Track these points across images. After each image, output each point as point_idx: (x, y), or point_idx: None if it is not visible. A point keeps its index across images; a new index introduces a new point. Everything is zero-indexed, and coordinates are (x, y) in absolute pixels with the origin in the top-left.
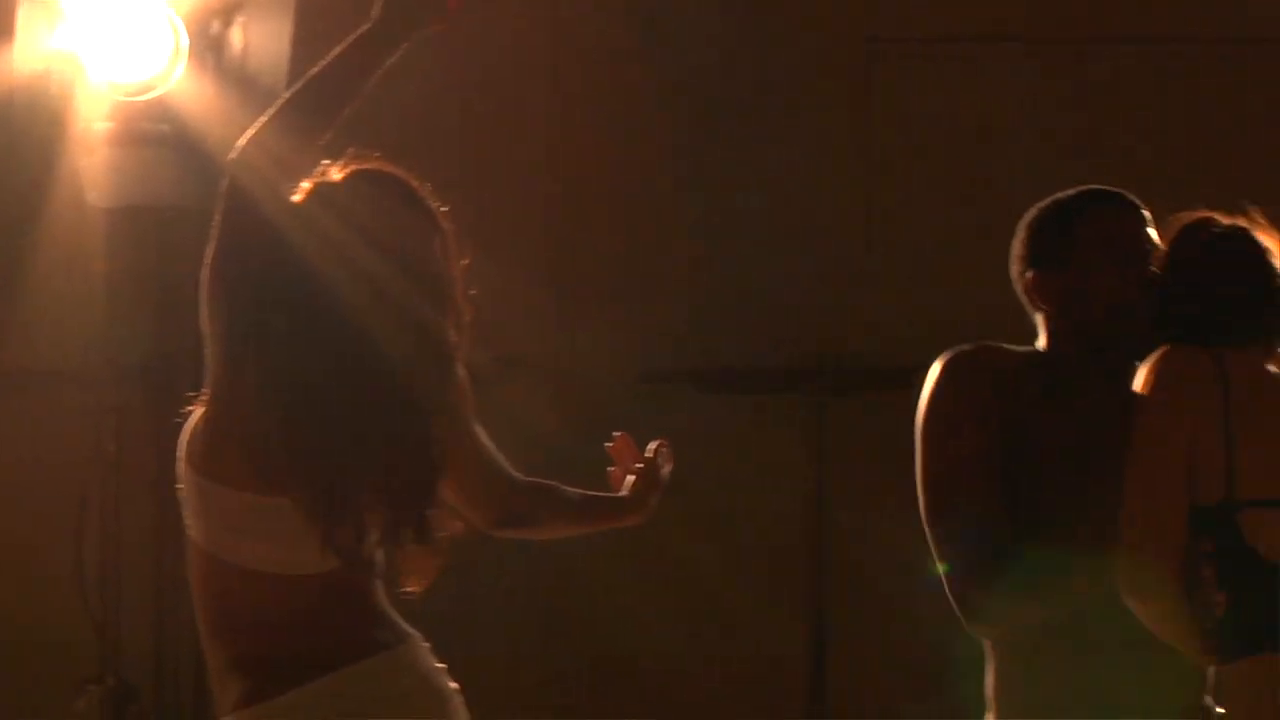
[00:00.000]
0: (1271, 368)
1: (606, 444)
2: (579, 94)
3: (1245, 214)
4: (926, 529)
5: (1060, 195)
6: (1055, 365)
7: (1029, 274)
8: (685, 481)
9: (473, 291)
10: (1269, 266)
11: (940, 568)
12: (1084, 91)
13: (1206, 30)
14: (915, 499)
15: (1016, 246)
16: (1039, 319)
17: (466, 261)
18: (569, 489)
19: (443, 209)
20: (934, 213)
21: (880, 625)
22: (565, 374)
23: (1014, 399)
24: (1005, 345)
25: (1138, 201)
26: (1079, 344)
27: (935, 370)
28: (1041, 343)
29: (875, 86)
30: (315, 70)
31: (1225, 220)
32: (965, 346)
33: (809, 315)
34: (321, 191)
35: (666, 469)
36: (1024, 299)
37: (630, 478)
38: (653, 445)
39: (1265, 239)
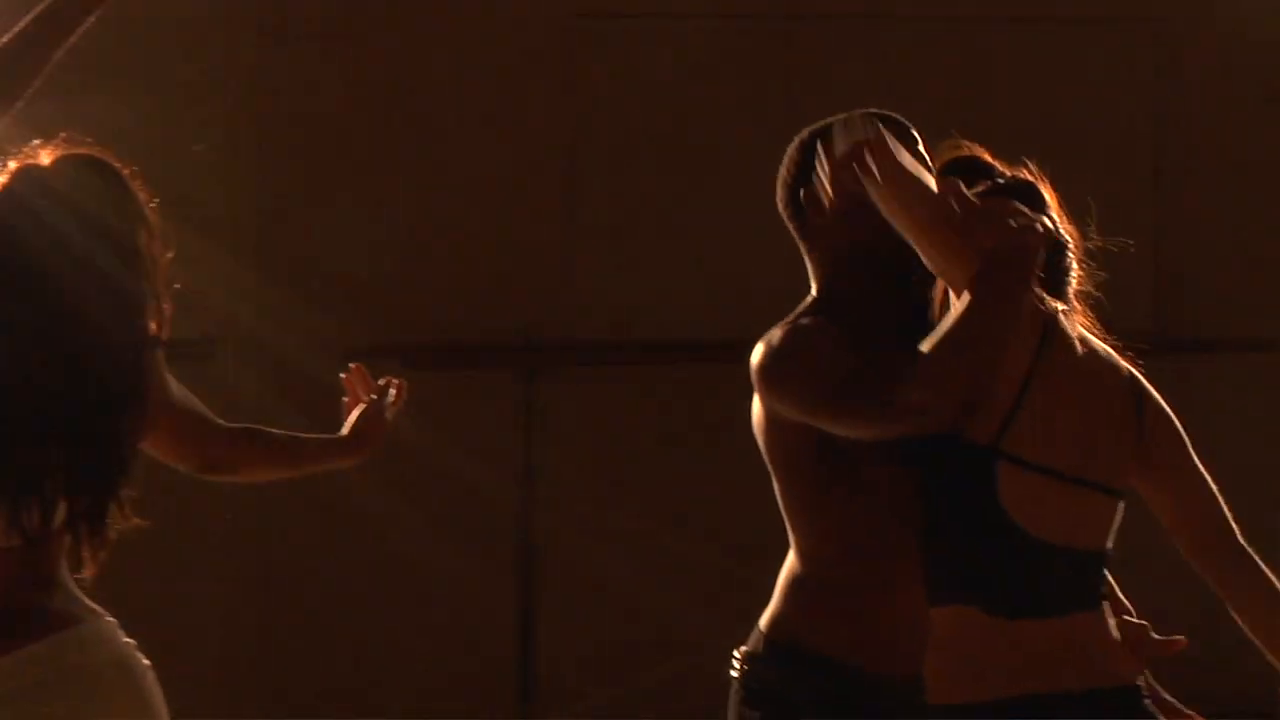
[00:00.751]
0: (1083, 330)
1: (342, 374)
2: (276, 70)
3: (1024, 166)
4: (848, 418)
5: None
6: (838, 318)
7: (805, 190)
8: (393, 458)
9: (176, 285)
10: (1050, 220)
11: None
12: (792, 64)
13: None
14: (623, 472)
15: (786, 169)
16: (813, 251)
17: (171, 254)
18: (276, 431)
19: (152, 202)
20: (640, 189)
21: (588, 597)
22: (271, 351)
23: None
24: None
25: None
26: (860, 269)
27: (778, 336)
28: (814, 288)
29: (581, 63)
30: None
31: (1007, 170)
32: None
33: (516, 291)
34: (29, 172)
35: (393, 408)
36: (795, 225)
37: (357, 410)
38: (384, 380)
39: (1046, 192)
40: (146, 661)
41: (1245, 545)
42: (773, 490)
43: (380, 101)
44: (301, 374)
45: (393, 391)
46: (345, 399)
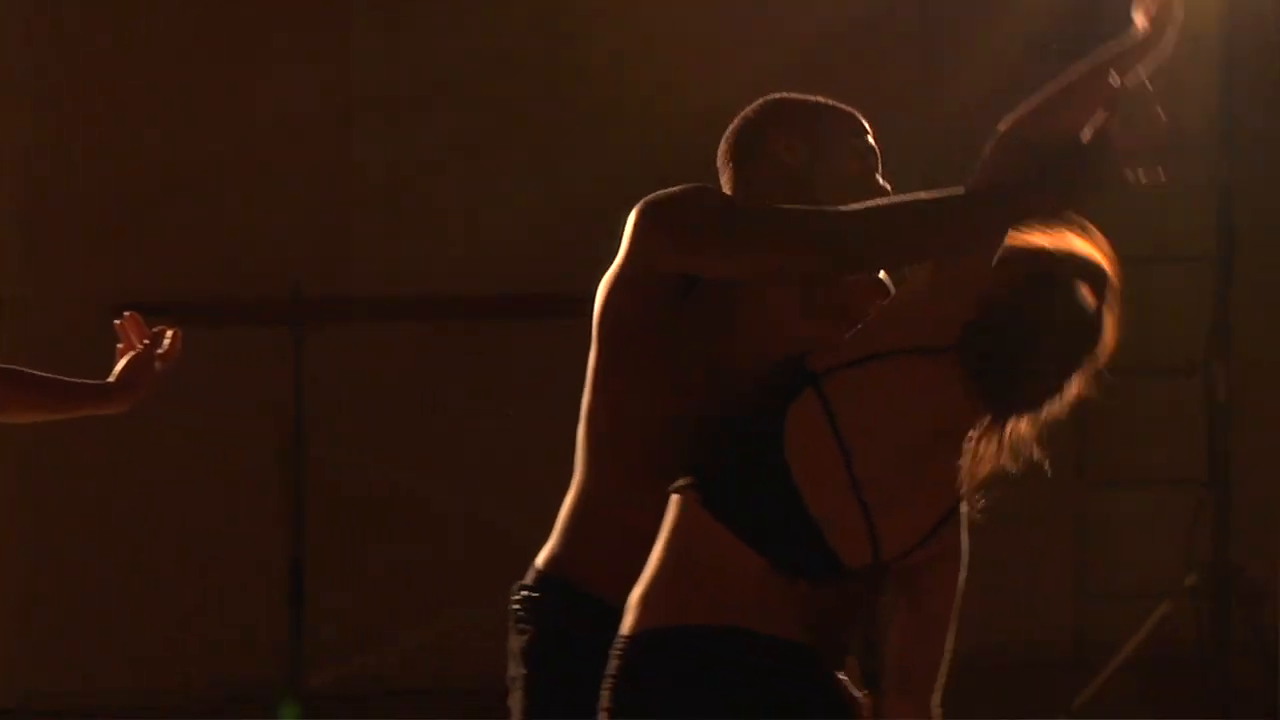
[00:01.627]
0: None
1: (116, 321)
2: (65, 24)
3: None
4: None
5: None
6: None
7: (770, 134)
8: (162, 415)
9: None
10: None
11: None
12: (554, 19)
13: None
14: (394, 429)
15: (756, 110)
16: (760, 194)
17: None
18: (37, 373)
19: None
20: (414, 144)
21: (360, 556)
22: (38, 306)
23: None
24: None
25: None
26: None
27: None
28: None
29: (357, 16)
30: None
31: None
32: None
33: (286, 246)
34: None
35: (166, 358)
36: (742, 164)
37: (126, 358)
38: (157, 329)
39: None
40: None
41: (936, 708)
42: (547, 447)
43: (153, 51)
44: (69, 329)
45: (166, 341)
46: (119, 346)
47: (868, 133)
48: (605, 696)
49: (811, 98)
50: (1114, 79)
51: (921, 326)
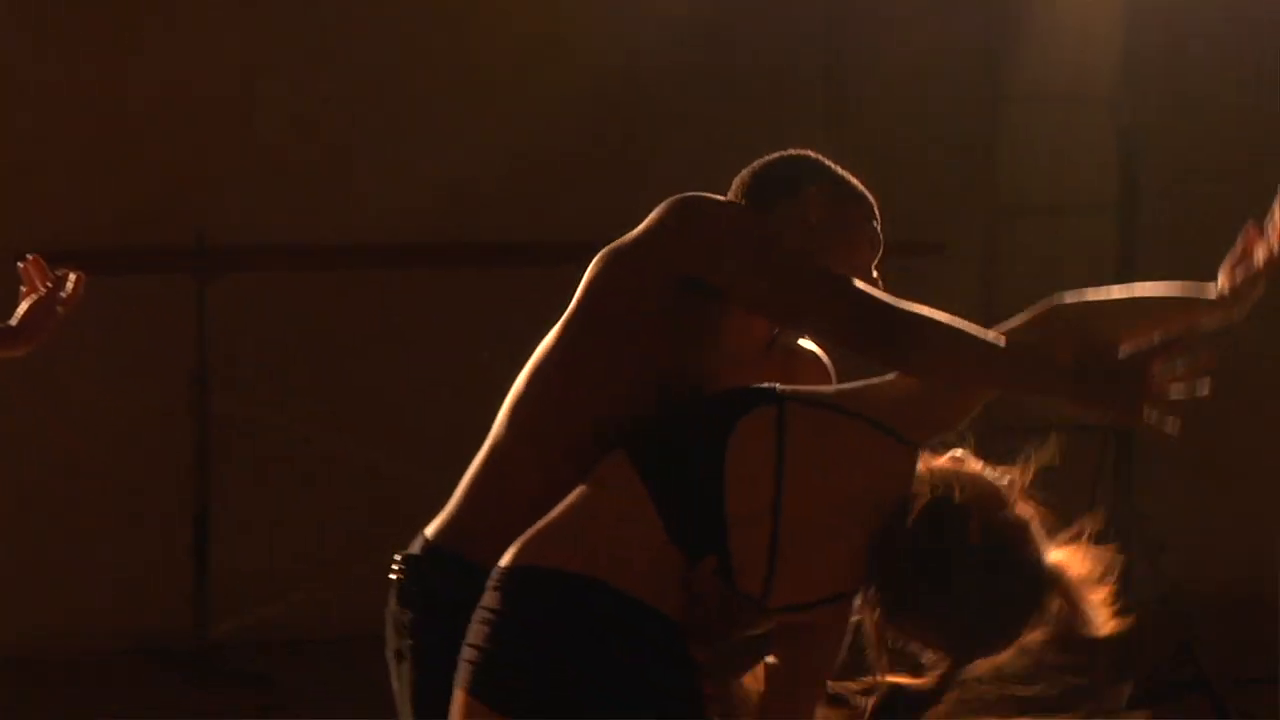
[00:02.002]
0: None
1: (19, 263)
2: None
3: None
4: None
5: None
6: None
7: (809, 188)
8: (65, 363)
9: None
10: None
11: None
12: None
13: None
14: (296, 378)
15: (789, 161)
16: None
17: None
18: None
19: None
20: (319, 93)
21: (263, 505)
22: None
23: None
24: None
25: None
26: None
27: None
28: None
29: None
30: None
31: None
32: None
33: (190, 195)
34: None
35: (70, 301)
36: (756, 203)
37: (28, 301)
38: (61, 272)
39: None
40: None
41: None
42: (454, 397)
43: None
44: None
45: (69, 285)
46: (22, 289)
47: (879, 222)
48: (480, 632)
49: (843, 171)
50: (1180, 325)
51: (898, 412)
